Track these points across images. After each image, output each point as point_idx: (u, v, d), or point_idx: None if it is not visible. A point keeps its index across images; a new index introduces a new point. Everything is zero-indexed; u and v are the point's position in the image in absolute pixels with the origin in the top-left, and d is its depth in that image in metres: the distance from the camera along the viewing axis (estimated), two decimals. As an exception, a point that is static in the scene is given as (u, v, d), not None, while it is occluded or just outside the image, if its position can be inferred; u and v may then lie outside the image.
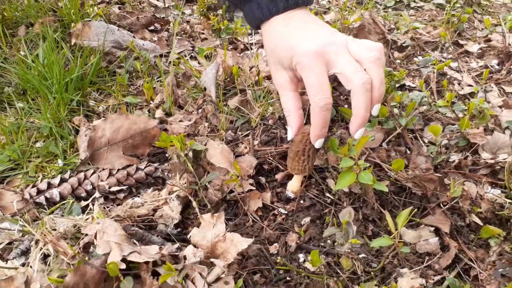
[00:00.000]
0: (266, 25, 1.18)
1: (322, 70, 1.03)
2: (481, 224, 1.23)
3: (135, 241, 1.09)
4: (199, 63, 1.88)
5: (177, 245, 1.10)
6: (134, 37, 1.87)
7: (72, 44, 1.79)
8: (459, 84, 1.82)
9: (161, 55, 1.88)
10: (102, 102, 1.66)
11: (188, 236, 1.11)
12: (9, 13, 1.94)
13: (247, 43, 1.99)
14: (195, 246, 1.09)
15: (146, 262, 1.03)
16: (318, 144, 1.13)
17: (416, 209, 1.11)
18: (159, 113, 1.49)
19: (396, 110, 1.55)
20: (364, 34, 1.79)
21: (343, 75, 1.04)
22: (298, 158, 1.17)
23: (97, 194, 1.21)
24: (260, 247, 1.14)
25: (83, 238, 1.12)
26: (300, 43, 1.05)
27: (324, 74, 1.03)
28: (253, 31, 2.07)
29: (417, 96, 1.61)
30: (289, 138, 1.20)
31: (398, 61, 1.95)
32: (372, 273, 1.11)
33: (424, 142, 1.55)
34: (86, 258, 1.08)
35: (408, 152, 1.50)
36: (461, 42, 2.13)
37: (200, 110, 1.60)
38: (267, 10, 1.13)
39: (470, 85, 1.79)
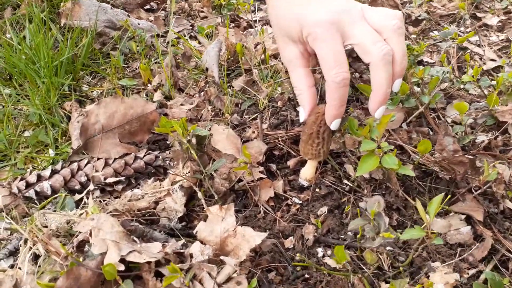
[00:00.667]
0: None
1: (337, 41, 0.93)
2: (518, 210, 1.12)
3: (135, 238, 0.98)
4: (199, 42, 1.75)
5: (182, 241, 0.98)
6: (128, 16, 1.73)
7: (62, 24, 1.65)
8: (480, 58, 1.69)
9: (158, 35, 1.74)
10: (96, 86, 1.53)
11: (194, 231, 1.00)
12: (-6, -7, 1.80)
13: (251, 20, 1.85)
14: (202, 242, 0.97)
15: (148, 262, 0.92)
16: (334, 125, 1.01)
17: (445, 195, 0.99)
18: (157, 96, 1.36)
19: (416, 88, 1.43)
20: (377, 6, 1.65)
21: (360, 46, 0.94)
22: (312, 141, 1.05)
23: (91, 187, 1.09)
24: (274, 241, 1.03)
25: (76, 236, 1.00)
26: (311, 12, 0.95)
27: (340, 45, 0.93)
28: (256, 7, 1.93)
29: (437, 71, 1.47)
30: (301, 120, 1.08)
31: (413, 36, 1.82)
32: (400, 268, 1.00)
33: (447, 122, 1.42)
34: (81, 259, 0.96)
35: (431, 133, 1.37)
36: (478, 15, 1.99)
37: (202, 93, 1.47)
38: None
39: (493, 60, 1.66)
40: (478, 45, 1.75)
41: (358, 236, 1.01)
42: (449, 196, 1.21)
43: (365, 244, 0.82)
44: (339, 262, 0.86)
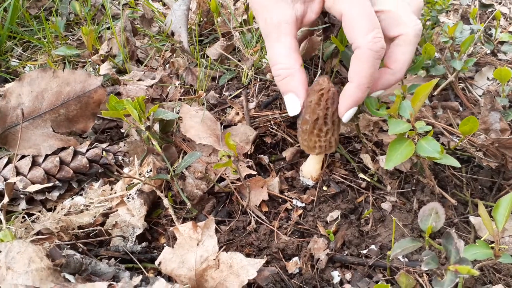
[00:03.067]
0: None
1: (367, 1, 0.72)
2: None
3: (67, 276, 0.65)
4: (163, 4, 1.40)
5: (140, 277, 0.66)
6: (71, -30, 1.37)
7: (-18, -19, 1.28)
8: (505, 19, 1.40)
9: (111, -4, 1.39)
10: (29, 60, 1.18)
11: (157, 262, 0.67)
12: None
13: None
14: (169, 278, 0.65)
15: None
16: (348, 115, 0.76)
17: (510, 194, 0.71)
18: (106, 68, 1.02)
19: (436, 54, 1.13)
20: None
21: (392, 15, 0.76)
22: (319, 130, 0.76)
23: (5, 199, 0.75)
24: (275, 270, 0.71)
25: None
26: None
27: (371, 6, 0.72)
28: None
29: (462, 32, 1.17)
30: (294, 113, 0.78)
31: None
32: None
33: (477, 94, 1.14)
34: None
35: (461, 108, 1.08)
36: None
37: (167, 65, 1.14)
38: None
39: (521, 19, 1.38)
40: (500, 3, 1.47)
41: (388, 253, 0.72)
42: (495, 189, 0.94)
43: (434, 286, 0.51)
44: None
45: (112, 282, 0.66)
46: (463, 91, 1.14)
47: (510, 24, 1.41)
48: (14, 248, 0.64)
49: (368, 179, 0.91)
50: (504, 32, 1.08)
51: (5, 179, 0.85)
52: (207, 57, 1.14)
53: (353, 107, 0.74)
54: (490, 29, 1.37)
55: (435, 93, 1.09)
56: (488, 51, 1.27)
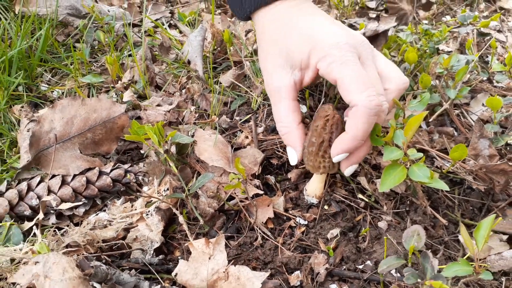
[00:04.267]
0: (266, 11, 0.91)
1: (359, 64, 0.80)
2: None
3: (95, 284, 0.74)
4: (180, 32, 1.51)
5: (158, 287, 0.75)
6: (96, 1, 1.49)
7: (16, 12, 1.40)
8: (502, 46, 1.48)
9: (132, 25, 1.50)
10: (57, 85, 1.29)
11: (173, 273, 0.76)
12: None
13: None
14: None
15: (113, 318, 0.69)
16: (338, 159, 0.85)
17: (494, 216, 0.78)
18: (128, 95, 1.12)
19: (435, 81, 1.21)
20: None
21: (376, 74, 0.85)
22: (324, 152, 0.84)
23: (41, 215, 0.85)
24: (278, 283, 0.80)
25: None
26: (328, 32, 0.84)
27: (361, 68, 0.80)
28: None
29: (458, 61, 1.25)
30: (294, 163, 0.90)
31: (425, 21, 1.60)
32: (436, 308, 0.78)
33: (472, 120, 1.21)
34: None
35: (456, 133, 1.16)
36: (494, -3, 1.79)
37: (184, 91, 1.23)
38: None
39: (517, 47, 1.45)
40: (499, 31, 1.54)
41: (380, 266, 0.79)
42: (484, 211, 1.01)
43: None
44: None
45: (134, 290, 0.75)
46: (458, 117, 1.21)
47: (507, 51, 1.48)
48: (50, 259, 0.73)
49: (366, 200, 0.99)
50: (497, 63, 1.15)
51: (38, 196, 0.95)
52: (220, 83, 1.24)
53: (344, 154, 0.83)
54: (487, 56, 1.44)
55: (431, 119, 1.17)
56: (485, 78, 1.34)
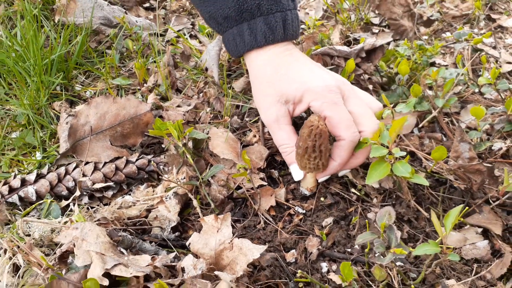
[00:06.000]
0: (258, 53, 1.07)
1: (344, 106, 0.99)
2: (541, 224, 1.03)
3: (122, 249, 0.90)
4: (200, 42, 1.67)
5: (173, 254, 0.90)
6: (126, 13, 1.66)
7: (56, 21, 1.58)
8: (496, 61, 1.60)
9: (157, 34, 1.66)
10: (89, 86, 1.46)
11: (187, 243, 0.91)
12: (-13, -11, 1.73)
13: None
14: (195, 255, 0.88)
15: (136, 276, 0.84)
16: (323, 179, 1.09)
17: (462, 207, 0.90)
18: (152, 97, 1.28)
19: (428, 91, 1.34)
20: (387, 5, 1.57)
21: (354, 115, 1.01)
22: (308, 155, 0.97)
23: (77, 193, 1.01)
24: (275, 255, 0.94)
25: (60, 246, 0.92)
26: (318, 77, 1.02)
27: (346, 110, 0.99)
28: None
29: (451, 74, 1.38)
30: (297, 178, 1.08)
31: (425, 37, 1.73)
32: (412, 285, 0.91)
33: (461, 127, 1.33)
34: (64, 271, 0.88)
35: (445, 139, 1.28)
36: (493, 16, 1.90)
37: (201, 94, 1.39)
38: (262, 37, 1.04)
39: (509, 62, 1.57)
40: (494, 47, 1.67)
41: (366, 250, 0.93)
42: (464, 206, 1.13)
43: (374, 260, 0.73)
44: (345, 280, 0.77)
45: (154, 255, 0.90)
46: (448, 124, 1.34)
47: (501, 66, 1.60)
48: (86, 226, 0.88)
49: (358, 193, 1.12)
50: (486, 76, 1.27)
51: (74, 179, 1.10)
52: (233, 88, 1.39)
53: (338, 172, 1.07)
54: (481, 70, 1.56)
55: (421, 125, 1.30)
56: (476, 90, 1.46)
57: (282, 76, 1.03)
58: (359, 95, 1.05)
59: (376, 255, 0.77)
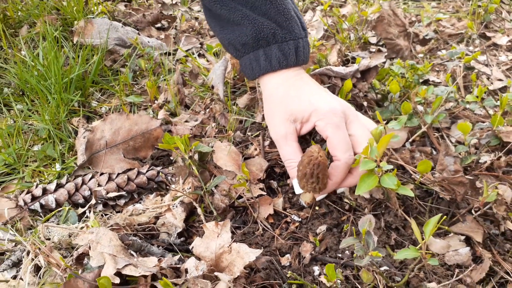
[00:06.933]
0: (271, 76, 1.17)
1: (345, 130, 1.08)
2: (519, 232, 1.10)
3: (132, 252, 1.00)
4: (207, 60, 1.78)
5: (178, 256, 1.00)
6: (139, 34, 1.78)
7: (74, 42, 1.71)
8: (488, 78, 1.68)
9: (168, 53, 1.78)
10: (105, 102, 1.58)
11: (190, 247, 1.01)
12: (12, 12, 1.87)
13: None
14: (198, 258, 0.98)
15: (144, 276, 0.94)
16: (321, 197, 1.19)
17: (444, 216, 0.98)
18: (162, 113, 1.39)
19: (420, 107, 1.43)
20: (383, 26, 1.66)
21: (355, 138, 1.10)
22: (306, 180, 1.06)
23: (93, 201, 1.12)
24: (270, 258, 1.03)
25: (77, 249, 1.03)
26: (325, 100, 1.11)
27: (347, 133, 1.08)
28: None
29: (442, 91, 1.47)
30: (298, 192, 1.15)
31: (420, 55, 1.82)
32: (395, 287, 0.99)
33: (451, 141, 1.42)
34: (80, 271, 0.99)
35: (434, 152, 1.37)
36: (488, 34, 1.99)
37: (207, 110, 1.50)
38: (276, 62, 1.15)
39: (500, 80, 1.65)
40: (487, 65, 1.75)
41: (355, 255, 1.01)
42: (449, 216, 1.20)
43: (355, 262, 0.82)
44: (330, 280, 0.86)
45: (160, 257, 1.00)
46: (437, 139, 1.42)
47: (492, 83, 1.68)
48: (100, 231, 0.99)
49: (350, 203, 1.21)
50: (470, 94, 1.35)
51: (90, 189, 1.21)
52: (237, 105, 1.50)
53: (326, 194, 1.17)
54: (473, 87, 1.65)
55: (411, 140, 1.38)
56: (467, 106, 1.55)
57: (292, 97, 1.13)
58: (361, 121, 1.13)
59: (357, 257, 0.86)
